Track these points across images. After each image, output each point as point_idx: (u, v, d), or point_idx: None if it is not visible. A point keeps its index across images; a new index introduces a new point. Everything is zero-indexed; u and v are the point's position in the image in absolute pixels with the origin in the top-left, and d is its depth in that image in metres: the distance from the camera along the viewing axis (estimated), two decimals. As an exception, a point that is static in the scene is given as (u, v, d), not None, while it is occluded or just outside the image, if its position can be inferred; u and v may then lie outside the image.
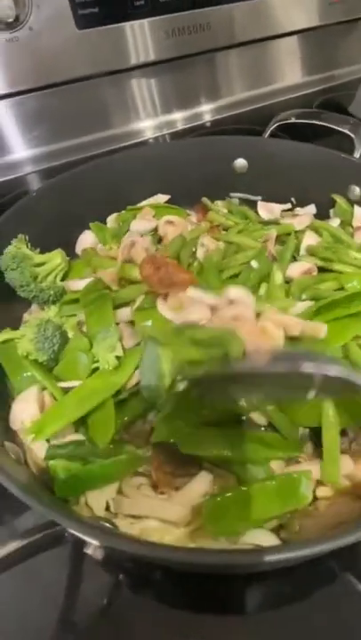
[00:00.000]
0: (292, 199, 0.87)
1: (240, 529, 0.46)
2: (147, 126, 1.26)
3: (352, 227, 0.78)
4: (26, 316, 0.70)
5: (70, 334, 0.62)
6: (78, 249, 0.79)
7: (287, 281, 0.68)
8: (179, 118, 1.30)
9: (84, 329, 0.62)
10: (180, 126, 1.29)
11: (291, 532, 0.47)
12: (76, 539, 0.47)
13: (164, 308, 0.59)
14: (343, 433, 0.52)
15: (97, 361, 0.55)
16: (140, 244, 0.69)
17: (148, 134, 1.25)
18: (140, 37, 1.07)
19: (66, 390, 0.56)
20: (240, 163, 0.86)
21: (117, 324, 0.60)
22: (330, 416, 0.50)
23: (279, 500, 0.46)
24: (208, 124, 1.31)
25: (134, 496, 0.50)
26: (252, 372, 0.42)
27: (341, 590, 0.48)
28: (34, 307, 0.70)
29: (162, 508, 0.49)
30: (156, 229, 0.78)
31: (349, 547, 0.36)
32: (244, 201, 0.90)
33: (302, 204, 0.86)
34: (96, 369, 0.56)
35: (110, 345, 0.55)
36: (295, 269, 0.70)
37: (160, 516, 0.48)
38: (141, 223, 0.78)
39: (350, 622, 0.47)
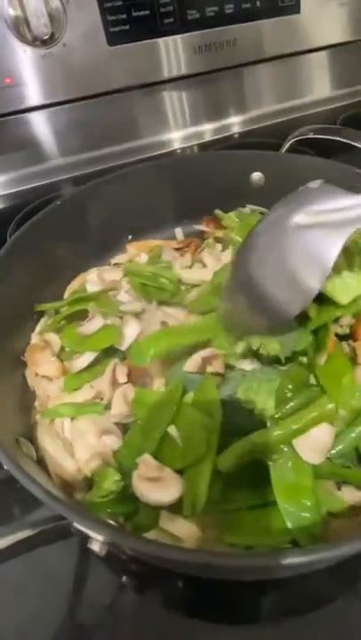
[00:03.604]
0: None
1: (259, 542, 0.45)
2: (174, 137, 1.29)
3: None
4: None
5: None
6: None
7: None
8: (206, 130, 1.32)
9: None
10: (207, 137, 1.32)
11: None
12: (82, 534, 0.48)
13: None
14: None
15: None
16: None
17: (176, 145, 1.29)
18: (167, 53, 1.10)
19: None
20: (257, 176, 0.87)
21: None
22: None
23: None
24: (236, 136, 1.33)
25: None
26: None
27: None
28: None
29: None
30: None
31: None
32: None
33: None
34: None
35: None
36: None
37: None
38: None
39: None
